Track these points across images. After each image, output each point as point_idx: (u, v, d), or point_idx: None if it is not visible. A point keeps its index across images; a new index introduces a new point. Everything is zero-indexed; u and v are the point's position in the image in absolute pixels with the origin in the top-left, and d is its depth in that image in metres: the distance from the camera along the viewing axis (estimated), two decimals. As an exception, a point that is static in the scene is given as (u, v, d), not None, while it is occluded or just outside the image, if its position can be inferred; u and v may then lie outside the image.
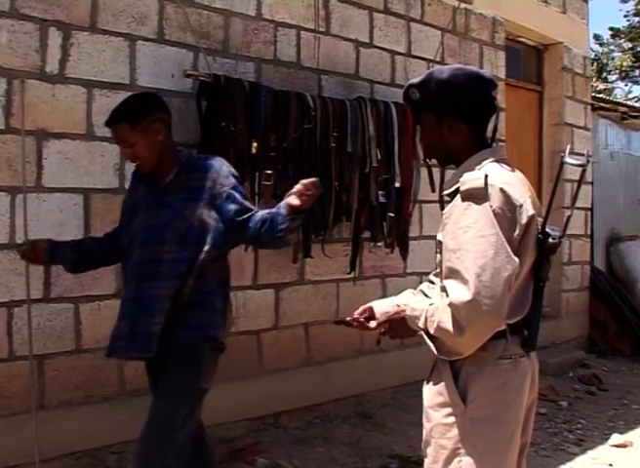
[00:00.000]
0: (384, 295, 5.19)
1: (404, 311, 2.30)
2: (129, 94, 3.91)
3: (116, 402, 4.01)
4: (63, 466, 3.79)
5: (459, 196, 2.13)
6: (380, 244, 5.08)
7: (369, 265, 5.24)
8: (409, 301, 2.33)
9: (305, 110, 4.48)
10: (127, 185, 3.92)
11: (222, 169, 2.93)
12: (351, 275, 5.06)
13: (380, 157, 4.84)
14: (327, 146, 4.59)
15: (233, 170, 2.98)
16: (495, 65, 6.44)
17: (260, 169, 4.27)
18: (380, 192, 4.88)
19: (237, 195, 2.88)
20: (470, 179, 2.11)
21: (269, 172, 4.27)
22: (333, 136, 4.62)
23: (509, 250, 2.04)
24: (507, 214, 2.08)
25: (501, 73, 6.52)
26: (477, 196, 2.07)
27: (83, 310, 3.92)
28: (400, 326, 2.32)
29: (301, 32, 4.88)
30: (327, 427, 4.81)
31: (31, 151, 3.72)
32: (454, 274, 2.06)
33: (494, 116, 2.32)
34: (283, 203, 2.83)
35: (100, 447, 3.95)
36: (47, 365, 3.76)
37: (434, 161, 2.38)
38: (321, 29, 4.99)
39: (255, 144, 4.23)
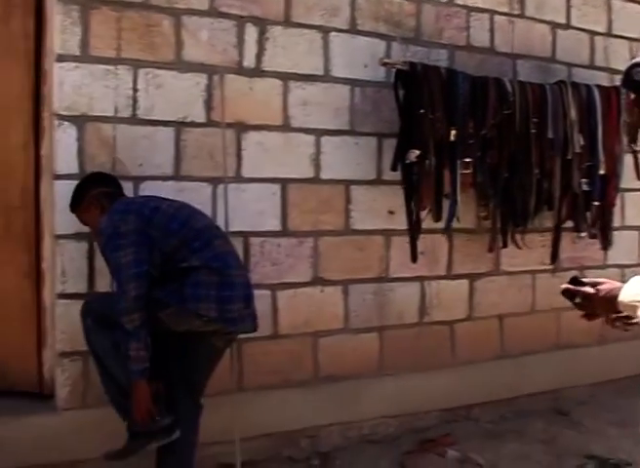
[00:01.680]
0: (582, 289, 5.07)
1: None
2: (324, 85, 4.07)
3: (310, 387, 4.09)
4: (260, 446, 3.93)
5: None
6: (583, 234, 4.84)
7: (567, 256, 5.00)
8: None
9: (503, 96, 4.33)
10: (322, 175, 4.08)
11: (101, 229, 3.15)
12: (549, 266, 4.86)
13: (582, 143, 4.61)
14: (527, 133, 4.42)
15: (109, 224, 3.10)
16: None
17: (458, 157, 4.18)
18: (583, 180, 4.65)
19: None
20: None
21: (468, 160, 4.19)
22: (532, 123, 4.43)
23: None
24: None
25: None
26: None
27: (280, 297, 4.02)
28: (600, 304, 2.09)
29: (495, 16, 4.71)
30: (520, 422, 4.66)
31: (231, 143, 3.84)
32: None
33: None
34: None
35: (294, 430, 4.06)
36: (245, 349, 3.86)
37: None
38: (515, 12, 4.80)
39: (453, 132, 4.14)
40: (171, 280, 3.03)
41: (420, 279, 4.45)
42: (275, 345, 4.00)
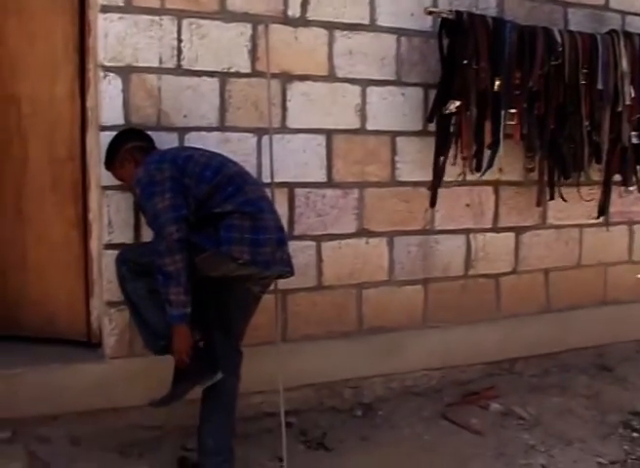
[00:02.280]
0: (631, 243, 5.02)
1: None
2: (370, 34, 4.01)
3: (354, 338, 4.10)
4: (303, 396, 3.97)
5: None
6: (631, 188, 4.73)
7: (616, 210, 4.89)
8: None
9: (552, 46, 4.21)
10: (367, 126, 4.04)
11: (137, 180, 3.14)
12: (596, 220, 4.78)
13: (633, 95, 4.47)
14: (576, 84, 4.30)
15: (145, 173, 3.10)
16: None
17: (503, 108, 4.09)
18: (633, 133, 4.53)
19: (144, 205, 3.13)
20: None
21: (514, 111, 4.11)
22: (582, 73, 4.31)
23: None
24: None
25: None
26: None
27: (325, 248, 4.02)
28: None
29: (547, -38, 4.56)
30: (564, 377, 4.65)
31: (276, 93, 3.81)
32: None
33: None
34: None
35: (337, 380, 4.09)
36: (290, 299, 3.91)
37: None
38: (569, -42, 4.64)
39: (497, 83, 4.05)
40: (205, 225, 3.04)
41: (466, 231, 4.41)
42: (320, 296, 4.01)
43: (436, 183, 4.17)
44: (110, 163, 3.35)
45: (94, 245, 3.74)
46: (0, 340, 3.77)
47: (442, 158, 4.11)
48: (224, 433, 3.21)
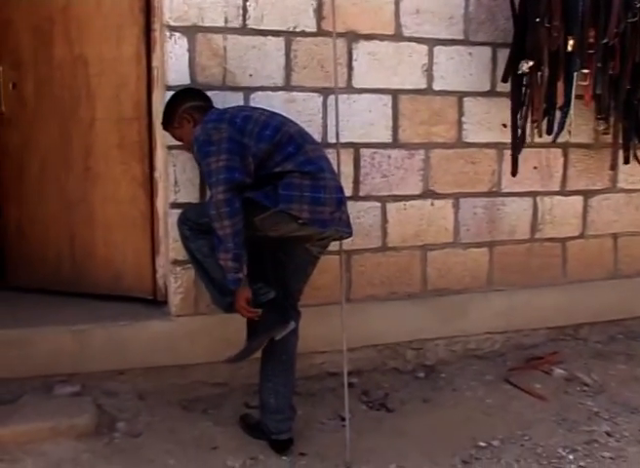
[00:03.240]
0: None
1: None
2: None
3: (418, 300, 4.09)
4: (366, 356, 3.98)
5: None
6: None
7: (694, 177, 4.73)
8: None
9: (629, 3, 4.02)
10: (434, 86, 3.97)
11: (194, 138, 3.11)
12: (671, 185, 4.64)
13: None
14: (654, 42, 4.11)
15: (202, 132, 3.07)
16: None
17: (576, 68, 3.95)
18: None
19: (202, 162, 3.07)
20: None
21: (587, 71, 3.97)
22: (661, 31, 4.12)
23: None
24: None
25: None
26: None
27: (390, 209, 3.99)
28: None
29: None
30: (630, 344, 4.56)
31: (342, 53, 3.76)
32: None
33: None
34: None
35: (400, 341, 4.09)
36: (354, 260, 3.91)
37: None
38: None
39: (571, 42, 3.90)
40: (265, 185, 3.02)
41: (533, 194, 4.31)
42: (384, 257, 4.00)
43: (517, 146, 4.08)
44: (168, 123, 3.33)
45: (160, 204, 3.76)
46: (68, 297, 3.87)
47: (520, 120, 4.03)
48: (285, 392, 3.23)
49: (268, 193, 2.99)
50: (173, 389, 3.59)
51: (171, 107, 3.31)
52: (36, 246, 4.02)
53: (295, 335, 3.26)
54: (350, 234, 3.26)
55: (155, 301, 3.83)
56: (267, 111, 3.25)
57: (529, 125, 4.05)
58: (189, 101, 3.28)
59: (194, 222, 3.16)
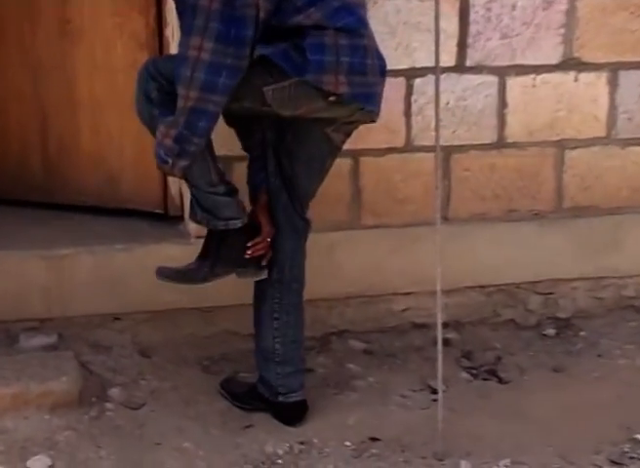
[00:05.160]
0: None
1: None
2: None
3: (549, 222, 3.90)
4: (469, 302, 3.88)
5: None
6: None
7: None
8: None
9: None
10: None
11: None
12: None
13: None
14: None
15: None
16: None
17: None
18: None
19: None
20: None
21: None
22: None
23: None
24: None
25: None
26: None
27: (511, 86, 3.75)
28: None
29: None
30: None
31: None
32: None
33: None
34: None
35: (520, 282, 3.93)
36: (455, 160, 3.73)
37: None
38: None
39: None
40: (279, 39, 2.81)
41: None
42: (500, 158, 3.78)
43: None
44: None
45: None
46: (40, 210, 3.84)
47: None
48: (296, 335, 3.22)
49: (290, 54, 2.78)
50: (189, 342, 3.54)
51: None
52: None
53: (301, 254, 3.20)
54: (378, 115, 3.13)
55: (166, 216, 3.78)
56: None
57: None
58: None
59: (168, 81, 2.90)
